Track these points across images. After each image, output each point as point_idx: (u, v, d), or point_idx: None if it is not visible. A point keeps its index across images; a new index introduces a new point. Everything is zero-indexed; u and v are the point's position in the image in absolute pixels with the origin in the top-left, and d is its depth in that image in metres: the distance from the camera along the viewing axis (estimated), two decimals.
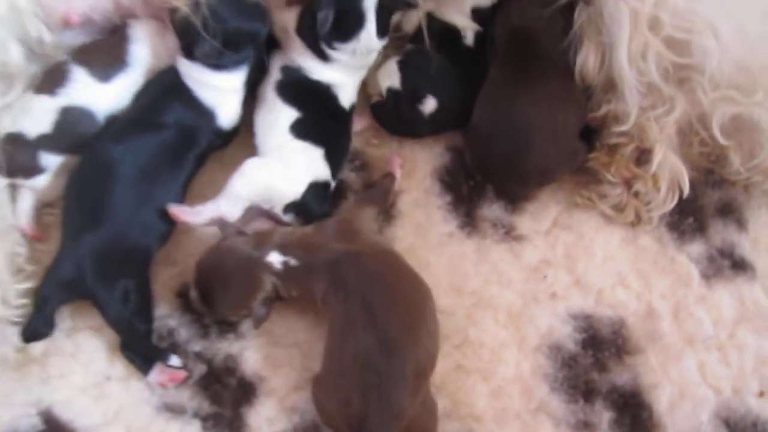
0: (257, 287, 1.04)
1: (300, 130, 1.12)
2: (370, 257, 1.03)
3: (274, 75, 1.14)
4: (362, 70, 1.15)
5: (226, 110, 1.13)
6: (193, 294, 1.07)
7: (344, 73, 1.13)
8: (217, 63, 1.10)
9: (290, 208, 1.09)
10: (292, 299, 1.06)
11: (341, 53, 1.11)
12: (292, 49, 1.13)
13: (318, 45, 1.11)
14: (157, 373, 1.05)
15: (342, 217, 1.11)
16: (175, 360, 1.05)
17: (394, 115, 1.17)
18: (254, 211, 1.08)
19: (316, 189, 1.10)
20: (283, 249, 1.04)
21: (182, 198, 1.11)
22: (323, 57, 1.12)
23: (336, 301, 1.00)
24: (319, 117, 1.13)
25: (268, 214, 1.08)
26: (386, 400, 0.94)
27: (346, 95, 1.14)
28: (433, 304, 1.02)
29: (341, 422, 0.96)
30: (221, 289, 1.05)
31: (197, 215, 1.07)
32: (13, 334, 1.04)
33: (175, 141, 1.10)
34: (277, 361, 1.06)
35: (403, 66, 1.16)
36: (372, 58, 1.14)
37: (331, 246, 1.03)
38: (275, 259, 1.03)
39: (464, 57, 1.17)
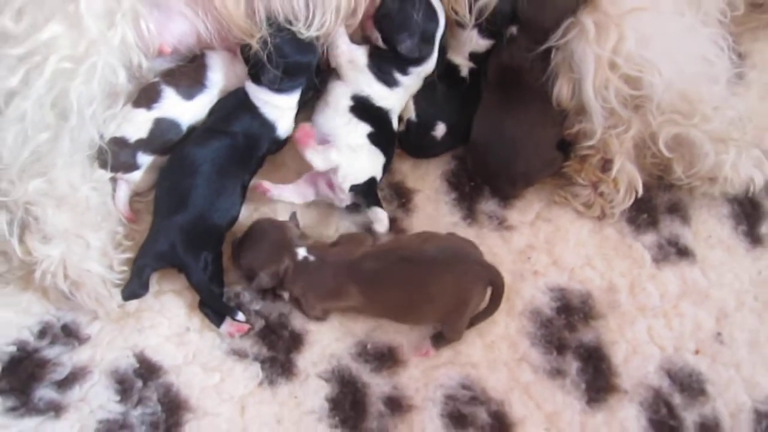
0: (276, 261, 1.28)
1: (374, 139, 1.36)
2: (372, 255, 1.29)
3: (344, 102, 1.36)
4: (407, 97, 1.40)
5: (284, 123, 1.39)
6: (235, 239, 1.32)
7: (398, 100, 1.38)
8: (278, 87, 1.36)
9: (353, 188, 1.32)
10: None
11: (410, 77, 1.37)
12: (361, 81, 1.37)
13: (391, 74, 1.36)
14: (227, 325, 1.30)
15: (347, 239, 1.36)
16: (240, 315, 1.30)
17: (414, 141, 1.42)
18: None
19: (372, 183, 1.35)
20: (309, 249, 1.30)
21: (245, 190, 1.37)
22: (391, 83, 1.37)
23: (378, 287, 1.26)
24: (383, 133, 1.37)
25: (333, 185, 1.33)
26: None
27: (395, 120, 1.40)
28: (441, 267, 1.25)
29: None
30: (253, 245, 1.29)
31: (278, 190, 1.34)
32: (116, 294, 1.30)
33: (243, 146, 1.35)
34: (321, 322, 1.31)
35: (416, 100, 1.40)
36: (420, 84, 1.39)
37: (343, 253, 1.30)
38: (301, 252, 1.29)
39: (460, 86, 1.41)
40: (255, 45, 1.32)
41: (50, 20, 1.21)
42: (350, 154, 1.32)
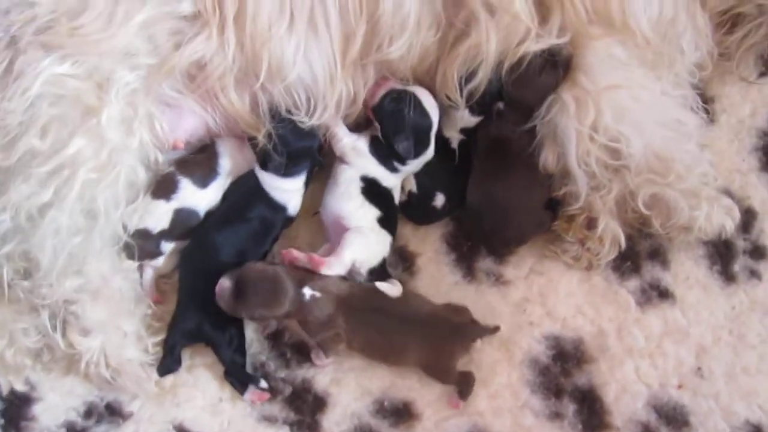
0: (277, 307, 1.36)
1: (383, 223, 1.46)
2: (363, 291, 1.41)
3: (355, 184, 1.46)
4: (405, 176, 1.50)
5: (293, 204, 1.49)
6: (227, 284, 1.35)
7: (399, 179, 1.49)
8: (284, 173, 1.46)
9: (370, 271, 1.43)
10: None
11: (409, 166, 1.47)
12: (366, 165, 1.46)
13: (392, 163, 1.46)
14: (250, 394, 1.42)
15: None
16: (263, 383, 1.42)
17: (416, 211, 1.53)
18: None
19: (384, 262, 1.46)
20: (313, 285, 1.38)
21: None
22: (392, 170, 1.47)
23: (357, 325, 1.38)
24: (389, 214, 1.48)
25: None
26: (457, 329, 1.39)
27: (397, 197, 1.50)
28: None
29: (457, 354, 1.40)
30: (253, 290, 1.35)
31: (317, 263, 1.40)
32: (152, 372, 1.42)
33: (259, 229, 1.46)
34: (340, 381, 1.44)
35: (416, 174, 1.50)
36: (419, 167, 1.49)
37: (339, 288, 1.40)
38: (307, 292, 1.38)
39: (452, 156, 1.51)
40: (261, 138, 1.42)
41: (74, 135, 1.30)
42: (364, 243, 1.43)
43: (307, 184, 1.51)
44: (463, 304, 1.44)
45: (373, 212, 1.46)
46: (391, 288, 1.44)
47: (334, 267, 1.41)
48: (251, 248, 1.46)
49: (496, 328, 1.43)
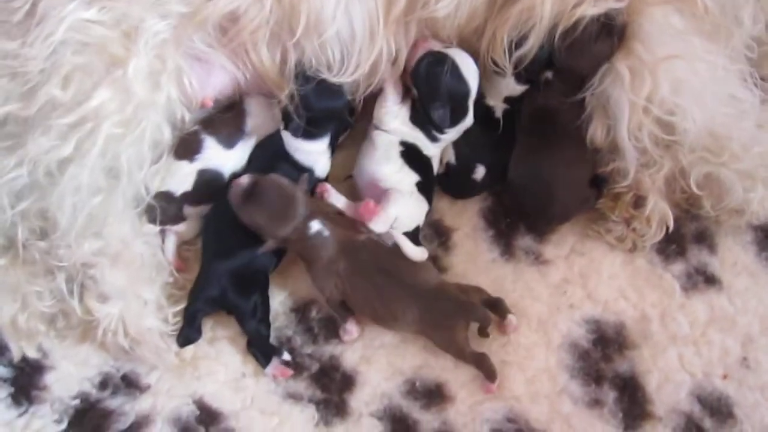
0: (280, 227, 1.30)
1: (421, 187, 1.39)
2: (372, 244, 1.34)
3: (395, 148, 1.39)
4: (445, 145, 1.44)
5: (321, 166, 1.43)
6: (244, 182, 1.31)
7: (439, 149, 1.42)
8: (305, 135, 1.38)
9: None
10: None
11: (449, 134, 1.40)
12: (405, 132, 1.40)
13: (431, 131, 1.39)
14: (272, 367, 1.35)
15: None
16: (286, 355, 1.36)
17: (454, 184, 1.46)
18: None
19: (417, 230, 1.40)
20: (324, 222, 1.32)
21: None
22: (432, 138, 1.40)
23: (357, 281, 1.31)
24: (428, 182, 1.41)
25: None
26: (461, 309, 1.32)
27: (436, 166, 1.43)
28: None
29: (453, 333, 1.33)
30: (258, 205, 1.30)
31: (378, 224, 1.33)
32: (172, 344, 1.35)
33: None
34: (370, 359, 1.37)
35: (455, 143, 1.43)
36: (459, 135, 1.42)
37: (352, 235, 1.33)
38: (315, 225, 1.32)
39: (495, 126, 1.44)
40: (283, 99, 1.35)
41: (98, 86, 1.23)
42: (402, 203, 1.35)
43: (333, 146, 1.44)
44: (478, 286, 1.38)
45: (412, 176, 1.39)
46: (415, 250, 1.37)
47: (380, 221, 1.33)
48: None
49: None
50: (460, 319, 1.33)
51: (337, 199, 1.38)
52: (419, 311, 1.32)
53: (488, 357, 1.34)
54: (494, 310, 1.37)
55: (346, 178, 1.47)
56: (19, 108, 1.21)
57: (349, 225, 1.37)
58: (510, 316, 1.37)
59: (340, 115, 1.42)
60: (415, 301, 1.32)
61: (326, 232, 1.32)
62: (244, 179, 1.33)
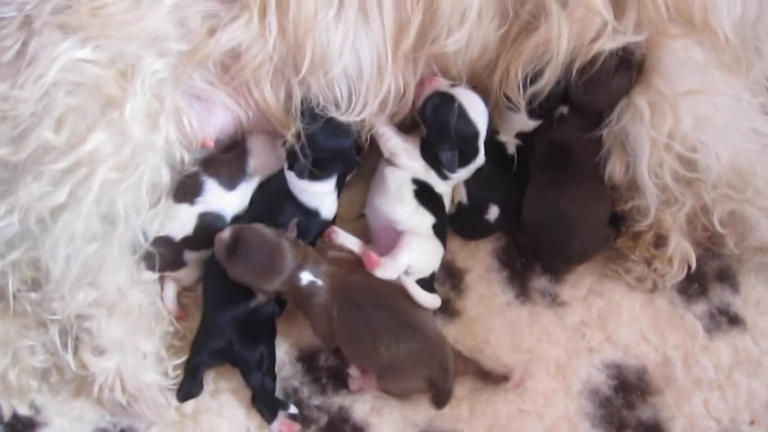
0: (268, 281, 1.24)
1: (436, 230, 1.33)
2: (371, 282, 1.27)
3: (407, 187, 1.33)
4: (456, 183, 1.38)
5: (327, 207, 1.37)
6: (227, 235, 1.25)
7: (449, 186, 1.37)
8: (311, 176, 1.32)
9: (418, 281, 1.29)
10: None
11: (460, 173, 1.34)
12: (417, 168, 1.34)
13: (441, 171, 1.33)
14: (279, 423, 1.28)
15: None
16: (293, 408, 1.29)
17: (466, 224, 1.40)
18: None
19: (432, 276, 1.34)
20: (315, 271, 1.26)
21: None
22: (443, 177, 1.34)
23: (350, 317, 1.24)
24: (441, 223, 1.34)
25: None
26: (444, 366, 1.25)
27: (447, 204, 1.38)
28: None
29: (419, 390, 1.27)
30: (244, 260, 1.24)
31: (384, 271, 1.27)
32: (171, 398, 1.28)
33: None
34: (381, 410, 1.31)
35: (466, 182, 1.37)
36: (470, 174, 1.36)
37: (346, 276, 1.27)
38: (306, 277, 1.25)
39: (508, 163, 1.38)
40: (290, 137, 1.29)
41: (93, 129, 1.16)
42: (418, 249, 1.29)
43: (340, 187, 1.38)
44: (475, 360, 1.32)
45: (428, 219, 1.33)
46: (427, 297, 1.30)
47: (388, 269, 1.27)
48: None
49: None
50: (427, 383, 1.26)
51: (347, 240, 1.32)
52: (406, 350, 1.24)
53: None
54: (492, 377, 1.32)
55: (358, 216, 1.41)
56: (9, 153, 1.15)
57: (348, 265, 1.30)
58: (513, 375, 1.32)
59: (347, 154, 1.36)
60: (406, 340, 1.24)
61: (320, 282, 1.27)
62: (226, 232, 1.26)
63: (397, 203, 1.33)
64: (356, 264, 1.30)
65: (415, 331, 1.26)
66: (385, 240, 1.32)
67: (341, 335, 1.27)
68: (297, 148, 1.31)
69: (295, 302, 1.30)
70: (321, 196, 1.36)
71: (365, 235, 1.38)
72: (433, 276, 1.34)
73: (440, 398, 1.28)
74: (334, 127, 1.32)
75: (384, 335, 1.24)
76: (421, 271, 1.30)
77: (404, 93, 1.31)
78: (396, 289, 1.29)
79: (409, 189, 1.33)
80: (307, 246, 1.31)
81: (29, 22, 1.15)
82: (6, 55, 1.15)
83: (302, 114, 1.30)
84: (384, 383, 1.29)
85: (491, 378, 1.32)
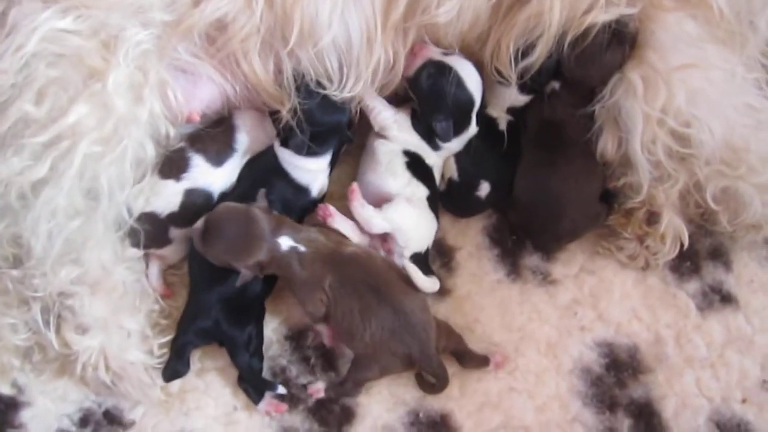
0: (249, 253, 1.22)
1: (430, 202, 1.31)
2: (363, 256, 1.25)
3: (398, 159, 1.31)
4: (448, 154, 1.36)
5: (318, 185, 1.34)
6: (199, 224, 1.23)
7: (441, 157, 1.34)
8: (307, 151, 1.30)
9: (414, 257, 1.28)
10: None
11: (452, 144, 1.32)
12: (408, 139, 1.32)
13: (434, 140, 1.31)
14: (265, 403, 1.27)
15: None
16: (281, 389, 1.27)
17: (457, 201, 1.37)
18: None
19: (428, 252, 1.32)
20: (295, 237, 1.23)
21: None
22: (434, 147, 1.32)
23: (344, 293, 1.22)
24: (434, 195, 1.32)
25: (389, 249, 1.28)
26: (427, 353, 1.22)
27: (438, 176, 1.35)
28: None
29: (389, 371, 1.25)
30: (219, 237, 1.22)
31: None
32: (157, 378, 1.26)
33: (279, 210, 1.29)
34: (370, 389, 1.29)
35: (457, 158, 1.35)
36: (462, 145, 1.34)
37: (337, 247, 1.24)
38: (285, 241, 1.23)
39: (499, 140, 1.36)
40: (285, 113, 1.27)
41: (75, 101, 1.14)
42: (413, 220, 1.27)
43: (333, 163, 1.36)
44: (460, 336, 1.30)
45: (422, 190, 1.30)
46: (426, 281, 1.29)
47: (374, 218, 1.24)
48: None
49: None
50: (407, 367, 1.24)
51: (343, 225, 1.28)
52: (390, 334, 1.22)
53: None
54: (473, 359, 1.30)
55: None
56: None
57: (335, 237, 1.28)
58: (494, 356, 1.30)
59: (342, 129, 1.34)
60: (391, 326, 1.22)
61: (302, 248, 1.24)
62: (198, 223, 1.24)
63: (389, 176, 1.30)
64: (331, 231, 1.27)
65: (401, 318, 1.22)
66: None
67: (334, 312, 1.24)
68: (293, 123, 1.28)
69: (281, 275, 1.27)
70: (314, 173, 1.34)
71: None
72: (428, 252, 1.32)
73: (436, 384, 1.27)
74: (330, 102, 1.30)
75: (374, 321, 1.22)
76: (416, 244, 1.28)
77: (394, 64, 1.29)
78: (386, 264, 1.27)
79: (401, 161, 1.31)
80: (281, 215, 1.28)
81: None
82: None
83: (297, 89, 1.28)
84: (356, 372, 1.26)
85: (472, 360, 1.30)
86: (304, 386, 1.29)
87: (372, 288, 1.23)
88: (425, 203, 1.30)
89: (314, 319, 1.27)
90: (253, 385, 1.28)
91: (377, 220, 1.26)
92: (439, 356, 1.25)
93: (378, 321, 1.22)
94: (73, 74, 1.13)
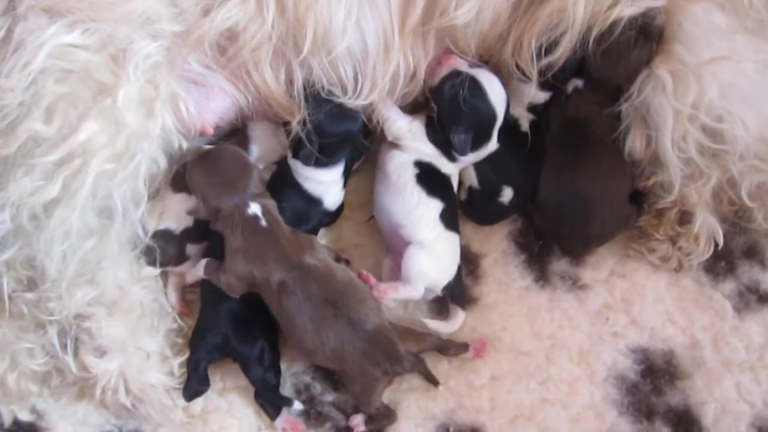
0: (220, 198, 1.20)
1: (447, 220, 1.26)
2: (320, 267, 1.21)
3: (408, 171, 1.27)
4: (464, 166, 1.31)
5: (331, 197, 1.31)
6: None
7: (458, 167, 1.30)
8: (317, 162, 1.26)
9: (445, 289, 1.25)
10: None
11: (468, 157, 1.28)
12: (422, 149, 1.28)
13: (450, 152, 1.27)
14: (282, 420, 1.24)
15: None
16: (298, 404, 1.23)
17: (479, 209, 1.33)
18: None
19: (459, 274, 1.27)
20: (264, 211, 1.21)
21: None
22: (451, 159, 1.28)
23: (295, 300, 1.18)
24: (452, 206, 1.28)
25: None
26: (394, 356, 1.18)
27: (455, 184, 1.31)
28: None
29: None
30: (205, 169, 1.21)
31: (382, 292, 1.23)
32: (178, 398, 1.23)
33: (291, 220, 1.26)
34: (399, 404, 1.26)
35: (477, 165, 1.30)
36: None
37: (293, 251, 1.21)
38: (254, 208, 1.21)
39: (521, 142, 1.32)
40: (295, 124, 1.23)
41: (85, 118, 1.10)
42: (429, 260, 1.23)
43: (346, 174, 1.32)
44: (431, 333, 1.25)
45: (434, 206, 1.26)
46: (444, 327, 1.26)
47: (401, 292, 1.23)
48: None
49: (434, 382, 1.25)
50: (384, 374, 1.19)
51: (393, 292, 1.24)
52: (350, 349, 1.18)
53: (395, 415, 1.24)
54: (453, 347, 1.27)
55: (368, 220, 1.36)
56: None
57: (304, 244, 1.23)
58: (474, 343, 1.27)
59: (354, 139, 1.30)
60: (350, 338, 1.18)
61: (264, 222, 1.21)
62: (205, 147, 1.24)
63: (399, 195, 1.27)
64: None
65: (357, 329, 1.18)
66: (394, 247, 1.28)
67: (279, 313, 1.20)
68: (302, 134, 1.25)
69: (223, 230, 1.22)
70: (327, 184, 1.30)
71: (370, 234, 1.34)
72: (460, 274, 1.28)
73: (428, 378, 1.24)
74: (340, 111, 1.26)
75: (332, 336, 1.18)
76: (443, 277, 1.25)
77: (414, 71, 1.24)
78: (341, 281, 1.22)
79: (411, 174, 1.27)
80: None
81: (13, 7, 1.09)
82: None
83: (306, 99, 1.24)
84: (351, 394, 1.24)
85: (451, 349, 1.26)
86: (331, 403, 1.26)
87: (329, 302, 1.19)
88: (439, 224, 1.26)
89: (228, 289, 1.21)
90: (268, 400, 1.24)
91: (408, 292, 1.23)
92: (417, 356, 1.21)
93: (336, 335, 1.18)
94: (82, 90, 1.10)
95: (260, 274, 1.19)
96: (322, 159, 1.27)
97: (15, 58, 1.07)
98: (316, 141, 1.25)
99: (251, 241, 1.20)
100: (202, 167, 1.22)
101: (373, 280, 1.24)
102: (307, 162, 1.28)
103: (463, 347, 1.27)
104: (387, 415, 1.24)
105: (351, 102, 1.25)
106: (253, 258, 1.20)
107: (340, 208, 1.35)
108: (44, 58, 1.07)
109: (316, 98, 1.24)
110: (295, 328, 1.19)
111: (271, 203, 1.25)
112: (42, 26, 1.08)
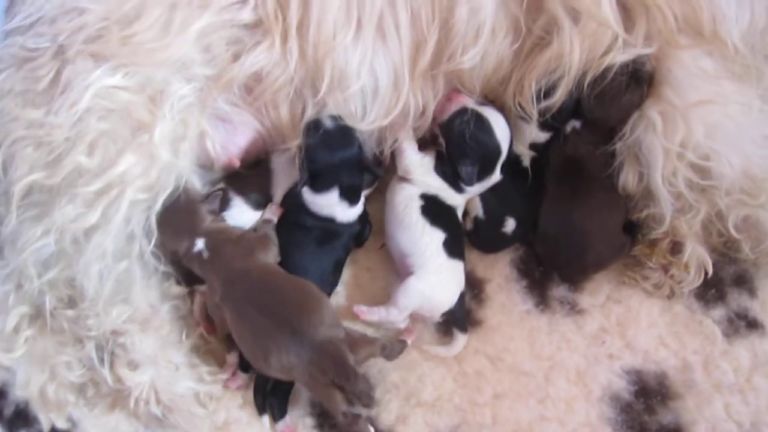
0: (175, 242, 1.29)
1: (450, 248, 1.34)
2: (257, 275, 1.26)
3: (414, 203, 1.36)
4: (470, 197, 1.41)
5: (340, 213, 1.36)
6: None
7: (463, 199, 1.40)
8: (312, 188, 1.34)
9: (445, 314, 1.34)
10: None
11: (473, 188, 1.37)
12: (430, 182, 1.37)
13: (457, 184, 1.36)
14: (284, 424, 1.31)
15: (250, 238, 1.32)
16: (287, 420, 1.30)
17: (484, 239, 1.42)
18: None
19: (462, 299, 1.36)
20: (207, 243, 1.29)
21: (336, 278, 1.38)
22: (459, 190, 1.37)
23: (234, 314, 1.24)
24: (456, 235, 1.37)
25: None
26: (344, 369, 1.19)
27: (460, 214, 1.41)
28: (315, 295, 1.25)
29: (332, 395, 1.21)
30: (164, 219, 1.27)
31: (371, 314, 1.33)
32: (208, 404, 1.31)
33: (321, 238, 1.35)
34: (407, 419, 1.33)
35: (482, 196, 1.40)
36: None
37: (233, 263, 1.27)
38: (199, 244, 1.29)
39: (523, 176, 1.41)
40: (293, 149, 1.33)
41: (123, 152, 1.21)
42: (434, 281, 1.32)
43: (350, 198, 1.38)
44: (375, 338, 1.31)
45: (437, 236, 1.35)
46: (442, 349, 1.35)
47: (383, 315, 1.33)
48: (318, 249, 1.36)
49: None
50: (333, 385, 1.20)
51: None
52: (296, 359, 1.20)
53: (363, 420, 1.26)
54: (393, 349, 1.30)
55: (380, 246, 1.45)
56: (44, 177, 1.20)
57: (243, 249, 1.30)
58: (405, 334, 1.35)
59: (348, 167, 1.35)
60: (296, 348, 1.20)
61: (206, 254, 1.29)
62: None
63: (405, 227, 1.35)
64: (246, 246, 1.30)
65: (303, 340, 1.20)
66: (404, 271, 1.36)
67: (231, 329, 1.26)
68: (298, 160, 1.34)
69: (190, 266, 1.31)
70: (328, 207, 1.37)
71: (384, 260, 1.42)
72: (463, 299, 1.36)
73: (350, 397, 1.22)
74: (333, 139, 1.33)
75: (272, 345, 1.21)
76: (446, 303, 1.33)
77: (424, 110, 1.34)
78: (282, 288, 1.25)
79: (416, 206, 1.36)
80: (224, 224, 1.33)
81: (62, 52, 1.21)
82: (41, 84, 1.20)
83: (307, 128, 1.33)
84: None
85: (394, 351, 1.30)
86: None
87: (266, 312, 1.22)
88: (442, 252, 1.34)
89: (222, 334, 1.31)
90: (278, 401, 1.31)
91: (397, 316, 1.33)
92: (360, 371, 1.22)
93: (278, 345, 1.20)
94: (122, 127, 1.21)
95: (215, 300, 1.28)
96: (314, 184, 1.34)
97: (63, 98, 1.19)
98: (307, 167, 1.33)
99: (205, 274, 1.30)
100: (160, 223, 1.29)
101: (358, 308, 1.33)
102: (300, 186, 1.35)
103: (403, 344, 1.31)
104: (356, 425, 1.24)
105: (357, 125, 1.33)
106: (209, 289, 1.29)
107: (367, 223, 1.42)
108: (89, 98, 1.19)
109: (312, 126, 1.32)
110: (239, 341, 1.26)
111: (220, 226, 1.31)
112: (88, 69, 1.20)
